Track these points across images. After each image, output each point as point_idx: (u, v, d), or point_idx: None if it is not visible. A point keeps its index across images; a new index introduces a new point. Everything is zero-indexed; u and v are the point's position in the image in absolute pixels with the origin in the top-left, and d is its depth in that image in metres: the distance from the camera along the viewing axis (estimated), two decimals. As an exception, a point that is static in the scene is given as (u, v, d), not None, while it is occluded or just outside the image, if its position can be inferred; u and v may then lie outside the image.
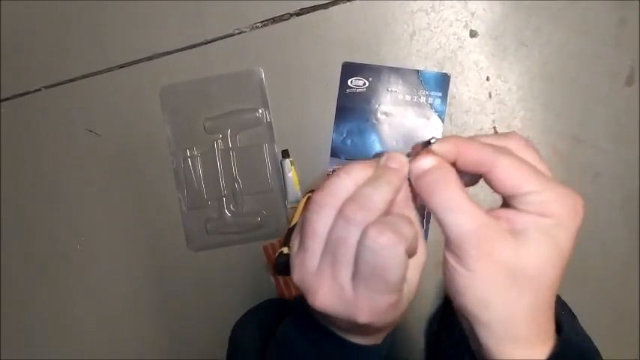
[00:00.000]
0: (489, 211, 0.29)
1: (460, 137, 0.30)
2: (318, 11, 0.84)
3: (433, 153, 0.30)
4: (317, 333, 0.35)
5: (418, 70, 0.83)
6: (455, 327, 0.72)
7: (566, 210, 0.28)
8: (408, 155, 0.31)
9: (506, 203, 0.30)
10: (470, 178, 0.31)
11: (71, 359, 0.93)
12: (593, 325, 0.58)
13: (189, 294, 0.89)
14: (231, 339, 0.69)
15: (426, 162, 0.29)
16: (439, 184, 0.28)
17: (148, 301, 0.91)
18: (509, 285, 0.28)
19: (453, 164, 0.30)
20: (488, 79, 0.83)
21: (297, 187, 0.84)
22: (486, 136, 0.31)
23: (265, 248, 0.87)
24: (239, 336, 0.69)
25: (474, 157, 0.29)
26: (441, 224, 0.28)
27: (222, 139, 0.86)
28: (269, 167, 0.85)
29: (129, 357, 0.92)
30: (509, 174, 0.29)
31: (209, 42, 0.86)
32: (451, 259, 0.29)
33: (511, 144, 0.31)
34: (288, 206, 0.86)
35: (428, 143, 0.30)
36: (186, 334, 0.90)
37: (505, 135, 0.31)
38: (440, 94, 0.83)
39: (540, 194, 0.28)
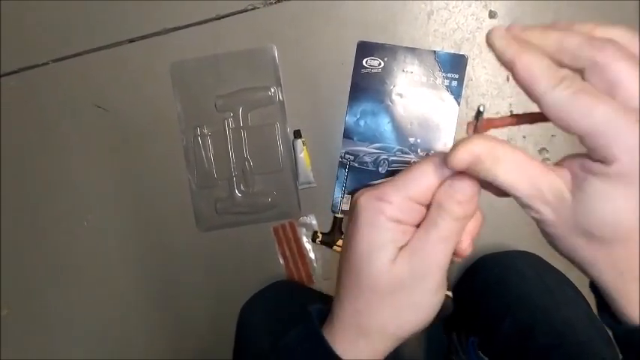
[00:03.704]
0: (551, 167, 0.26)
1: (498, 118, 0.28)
2: (334, -12, 0.82)
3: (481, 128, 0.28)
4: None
5: (435, 51, 0.81)
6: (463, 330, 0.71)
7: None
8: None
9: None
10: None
11: (76, 336, 0.93)
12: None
13: (198, 274, 0.89)
14: (241, 319, 0.69)
15: (459, 162, 0.26)
16: (492, 172, 0.26)
17: (156, 280, 0.90)
18: (608, 245, 0.25)
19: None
20: (506, 61, 0.81)
21: (309, 168, 0.83)
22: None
23: (275, 230, 0.86)
24: (248, 316, 0.69)
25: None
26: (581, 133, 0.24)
27: (233, 117, 0.84)
28: (280, 147, 0.84)
29: (137, 335, 0.91)
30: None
31: (221, 17, 0.84)
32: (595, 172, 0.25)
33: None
34: (299, 187, 0.84)
35: (479, 113, 0.28)
36: (195, 313, 0.90)
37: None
38: (456, 76, 0.81)
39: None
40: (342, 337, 0.33)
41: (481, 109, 0.27)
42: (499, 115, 0.29)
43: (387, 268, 0.30)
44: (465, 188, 0.29)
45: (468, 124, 0.29)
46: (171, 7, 0.85)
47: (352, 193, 0.83)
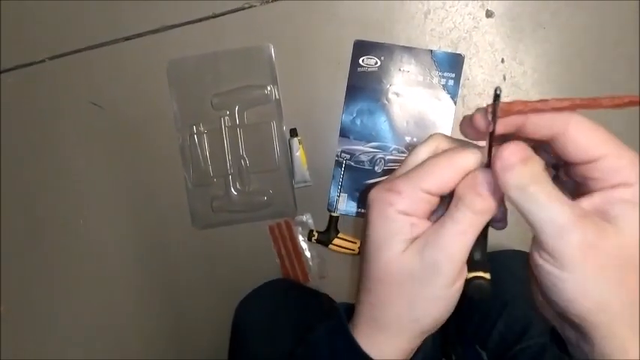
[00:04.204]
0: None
1: (525, 101, 0.27)
2: (331, -14, 0.82)
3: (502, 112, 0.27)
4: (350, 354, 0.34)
5: (431, 50, 0.81)
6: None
7: None
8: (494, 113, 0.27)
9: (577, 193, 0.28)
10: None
11: (74, 334, 0.93)
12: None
13: (194, 272, 0.89)
14: (236, 317, 0.68)
15: (509, 158, 0.26)
16: (527, 181, 0.26)
17: (152, 278, 0.90)
18: (623, 276, 0.26)
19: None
20: (503, 61, 0.81)
21: (305, 167, 0.83)
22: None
23: (271, 228, 0.86)
24: (244, 314, 0.69)
25: (546, 116, 0.27)
26: (531, 223, 0.26)
27: (229, 115, 0.84)
28: (277, 146, 0.84)
29: (132, 333, 0.91)
30: (586, 134, 0.26)
31: (218, 15, 0.84)
32: (547, 265, 0.26)
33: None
34: (295, 186, 0.84)
35: (496, 97, 0.26)
36: (190, 311, 0.90)
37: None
38: (453, 75, 0.81)
39: (618, 159, 0.26)
40: (363, 332, 0.33)
41: (498, 91, 0.26)
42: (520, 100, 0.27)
43: (396, 259, 0.30)
44: (483, 180, 0.28)
45: (487, 106, 0.27)
46: (168, 5, 0.85)
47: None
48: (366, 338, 0.32)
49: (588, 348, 0.28)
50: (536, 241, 0.27)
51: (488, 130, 0.28)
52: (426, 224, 0.31)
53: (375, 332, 0.32)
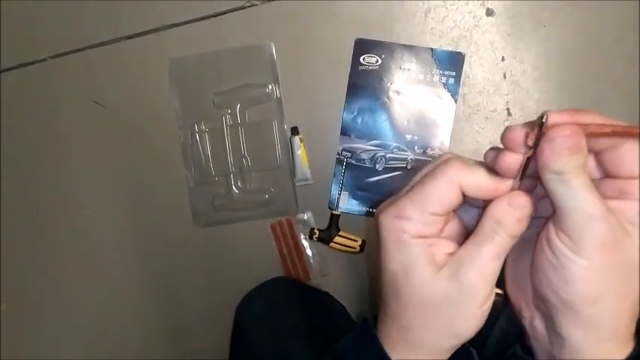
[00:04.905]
0: None
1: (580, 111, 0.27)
2: (332, -15, 0.82)
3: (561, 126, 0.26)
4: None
5: (432, 49, 0.82)
6: None
7: None
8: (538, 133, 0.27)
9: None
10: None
11: (75, 331, 0.93)
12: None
13: (195, 270, 0.89)
14: (238, 315, 0.69)
15: (560, 145, 0.26)
16: (569, 168, 0.26)
17: (153, 276, 0.90)
18: (625, 279, 0.27)
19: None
20: (503, 59, 0.81)
21: (306, 165, 0.83)
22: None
23: (272, 227, 0.86)
24: (246, 313, 0.69)
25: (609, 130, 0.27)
26: (560, 206, 0.27)
27: (231, 114, 0.84)
28: (278, 144, 0.84)
29: (133, 332, 0.91)
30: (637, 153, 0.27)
31: (219, 14, 0.84)
32: (562, 245, 0.27)
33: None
34: (297, 184, 0.85)
35: (541, 123, 0.26)
36: (191, 309, 0.90)
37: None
38: (454, 73, 0.81)
39: None
40: (395, 353, 0.33)
41: (544, 119, 0.26)
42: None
43: (427, 283, 0.30)
44: (526, 206, 0.29)
45: (527, 132, 0.27)
46: (169, 4, 0.85)
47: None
48: (399, 357, 0.33)
49: (559, 342, 0.29)
50: (558, 222, 0.27)
51: (526, 155, 0.28)
52: (442, 242, 0.31)
53: (409, 352, 0.33)
